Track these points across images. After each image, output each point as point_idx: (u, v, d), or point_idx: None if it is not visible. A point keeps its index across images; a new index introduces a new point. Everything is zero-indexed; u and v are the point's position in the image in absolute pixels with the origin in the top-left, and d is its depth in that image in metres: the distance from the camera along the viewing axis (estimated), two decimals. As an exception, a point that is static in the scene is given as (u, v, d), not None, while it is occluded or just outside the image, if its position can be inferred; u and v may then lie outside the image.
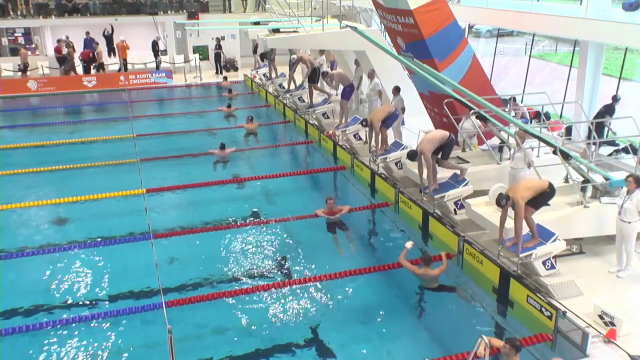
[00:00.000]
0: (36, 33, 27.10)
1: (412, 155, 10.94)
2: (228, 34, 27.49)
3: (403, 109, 14.70)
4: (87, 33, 25.15)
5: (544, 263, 8.35)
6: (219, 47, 26.28)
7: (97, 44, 25.12)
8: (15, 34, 27.02)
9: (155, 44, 25.77)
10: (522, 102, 16.11)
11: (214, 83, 25.10)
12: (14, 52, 26.27)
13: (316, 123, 16.93)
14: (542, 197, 8.54)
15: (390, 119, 13.05)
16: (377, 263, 9.69)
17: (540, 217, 8.78)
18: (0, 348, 7.69)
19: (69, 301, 8.98)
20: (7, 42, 26.83)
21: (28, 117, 20.98)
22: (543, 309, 7.60)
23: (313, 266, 9.74)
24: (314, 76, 17.41)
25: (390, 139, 13.19)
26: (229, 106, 20.23)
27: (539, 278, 8.35)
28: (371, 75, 16.42)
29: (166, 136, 17.55)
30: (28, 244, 10.74)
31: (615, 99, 12.82)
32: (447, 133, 10.73)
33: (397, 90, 14.61)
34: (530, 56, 20.64)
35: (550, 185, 8.56)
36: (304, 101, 18.29)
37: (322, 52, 21.24)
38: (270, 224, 11.38)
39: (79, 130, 18.75)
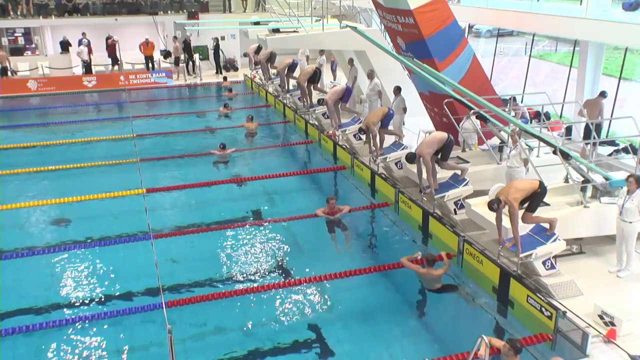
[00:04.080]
0: (36, 33, 27.07)
1: (411, 158, 10.93)
2: (228, 34, 27.49)
3: (405, 109, 14.68)
4: (84, 34, 25.09)
5: (544, 263, 8.34)
6: (216, 46, 26.23)
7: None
8: (15, 34, 26.98)
9: (187, 42, 25.54)
10: (522, 102, 16.08)
11: (214, 83, 25.10)
12: (14, 52, 26.21)
13: (316, 123, 16.92)
14: (535, 198, 8.52)
15: (387, 119, 13.03)
16: (377, 263, 9.69)
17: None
18: (0, 348, 7.69)
19: (69, 301, 8.98)
20: (7, 42, 26.79)
21: (28, 117, 20.96)
22: (543, 309, 7.60)
23: (313, 266, 9.73)
24: (314, 77, 17.38)
25: (391, 141, 13.17)
26: (225, 106, 20.22)
27: (539, 278, 8.34)
28: (370, 75, 16.40)
29: (166, 136, 17.55)
30: (28, 244, 10.73)
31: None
32: (445, 135, 10.72)
33: (398, 90, 14.59)
34: (530, 56, 20.61)
35: (541, 184, 8.56)
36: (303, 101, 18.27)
37: (322, 52, 21.24)
38: (270, 224, 11.39)
39: (79, 130, 18.70)
